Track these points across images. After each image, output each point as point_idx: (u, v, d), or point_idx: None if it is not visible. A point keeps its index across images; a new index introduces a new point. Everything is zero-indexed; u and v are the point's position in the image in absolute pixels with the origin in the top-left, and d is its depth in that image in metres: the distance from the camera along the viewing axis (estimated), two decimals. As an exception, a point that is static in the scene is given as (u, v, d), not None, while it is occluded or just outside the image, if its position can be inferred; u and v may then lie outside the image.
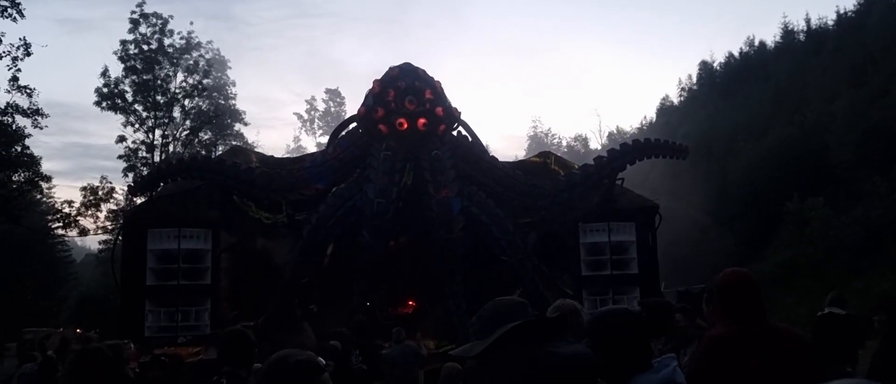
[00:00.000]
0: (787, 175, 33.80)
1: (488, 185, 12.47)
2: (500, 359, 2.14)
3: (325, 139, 41.04)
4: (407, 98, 11.95)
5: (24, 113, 28.21)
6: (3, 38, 26.93)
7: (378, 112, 12.01)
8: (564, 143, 79.84)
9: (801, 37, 58.17)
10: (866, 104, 33.36)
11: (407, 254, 13.04)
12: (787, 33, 59.43)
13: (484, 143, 13.75)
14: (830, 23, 55.56)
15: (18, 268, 31.31)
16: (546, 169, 13.66)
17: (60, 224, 33.86)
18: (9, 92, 27.94)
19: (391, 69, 12.35)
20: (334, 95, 58.32)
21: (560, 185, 12.68)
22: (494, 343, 2.16)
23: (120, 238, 13.53)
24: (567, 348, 2.12)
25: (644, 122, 74.80)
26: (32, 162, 29.75)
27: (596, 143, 74.58)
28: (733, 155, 41.77)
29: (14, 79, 27.84)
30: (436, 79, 12.45)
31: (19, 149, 28.88)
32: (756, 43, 62.59)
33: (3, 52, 27.25)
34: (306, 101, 59.44)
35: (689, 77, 71.35)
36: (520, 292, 12.46)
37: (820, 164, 33.48)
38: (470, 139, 13.00)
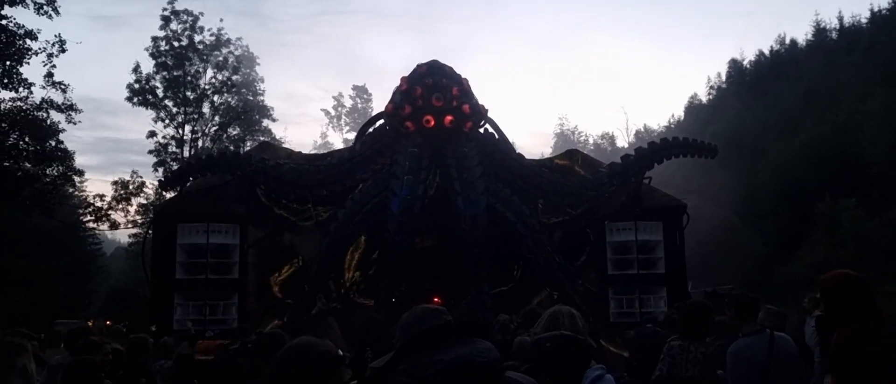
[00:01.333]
0: (819, 175, 33.31)
1: (515, 182, 12.42)
2: (399, 371, 2.03)
3: (352, 136, 41.19)
4: (434, 95, 11.93)
5: (59, 108, 28.77)
6: (39, 35, 27.45)
7: (405, 109, 12.02)
8: (591, 141, 79.53)
9: (834, 35, 57.32)
10: (900, 103, 32.73)
11: (432, 251, 13.04)
12: (820, 31, 58.60)
13: (511, 141, 13.67)
14: (864, 21, 54.75)
15: (50, 260, 31.86)
16: (571, 170, 13.54)
17: (92, 218, 34.48)
18: (44, 88, 28.53)
19: (418, 66, 12.35)
20: (361, 92, 58.43)
21: (587, 184, 12.59)
22: (397, 354, 2.08)
23: (150, 232, 13.69)
24: (453, 352, 2.00)
25: (672, 121, 74.38)
26: (66, 156, 30.24)
27: (623, 141, 74.27)
28: (763, 154, 41.24)
29: (49, 74, 28.44)
30: (463, 76, 12.44)
31: (53, 143, 29.41)
32: (787, 41, 61.91)
33: (39, 49, 27.81)
34: (333, 97, 59.48)
35: (719, 75, 70.90)
36: (546, 291, 12.45)
37: (852, 164, 32.93)
38: (497, 136, 12.96)
